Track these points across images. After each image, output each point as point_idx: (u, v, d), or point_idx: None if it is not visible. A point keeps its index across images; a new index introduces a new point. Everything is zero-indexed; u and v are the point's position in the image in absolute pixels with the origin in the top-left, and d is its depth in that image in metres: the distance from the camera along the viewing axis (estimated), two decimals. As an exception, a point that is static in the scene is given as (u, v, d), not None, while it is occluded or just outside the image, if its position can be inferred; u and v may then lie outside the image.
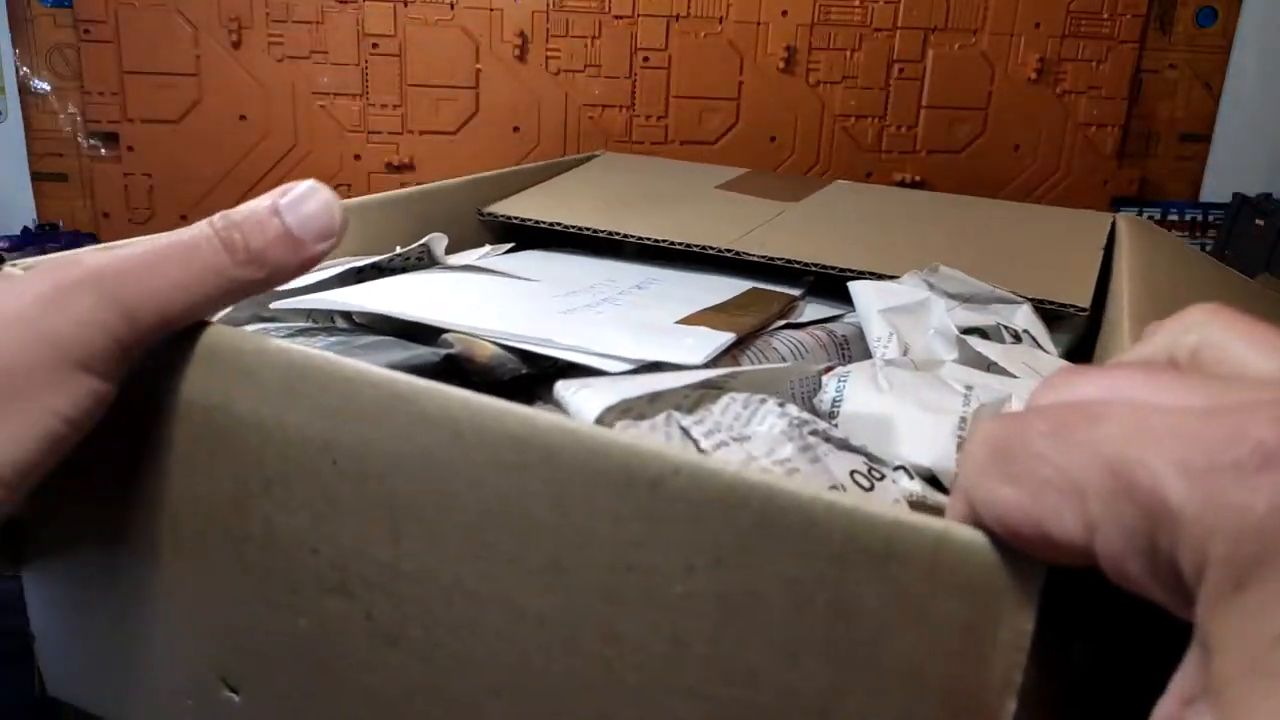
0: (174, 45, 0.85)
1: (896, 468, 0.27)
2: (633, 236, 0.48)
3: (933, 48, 0.92)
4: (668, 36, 0.90)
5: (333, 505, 0.24)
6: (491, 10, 0.88)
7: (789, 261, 0.44)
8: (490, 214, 0.52)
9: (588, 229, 0.49)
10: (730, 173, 0.61)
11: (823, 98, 0.93)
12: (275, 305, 0.34)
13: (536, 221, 0.51)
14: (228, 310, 0.31)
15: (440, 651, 0.24)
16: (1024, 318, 0.38)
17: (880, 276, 0.41)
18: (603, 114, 0.92)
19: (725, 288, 0.44)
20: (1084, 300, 0.39)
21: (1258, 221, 0.90)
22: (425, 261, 0.43)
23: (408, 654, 0.24)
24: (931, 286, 0.39)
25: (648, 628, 0.21)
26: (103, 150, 0.88)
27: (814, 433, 0.26)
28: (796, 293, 0.43)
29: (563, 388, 0.27)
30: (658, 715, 0.21)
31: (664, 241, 0.47)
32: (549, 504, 0.21)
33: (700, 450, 0.25)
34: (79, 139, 0.88)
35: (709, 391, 0.28)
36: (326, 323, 0.34)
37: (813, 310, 0.42)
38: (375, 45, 0.88)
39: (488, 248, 0.46)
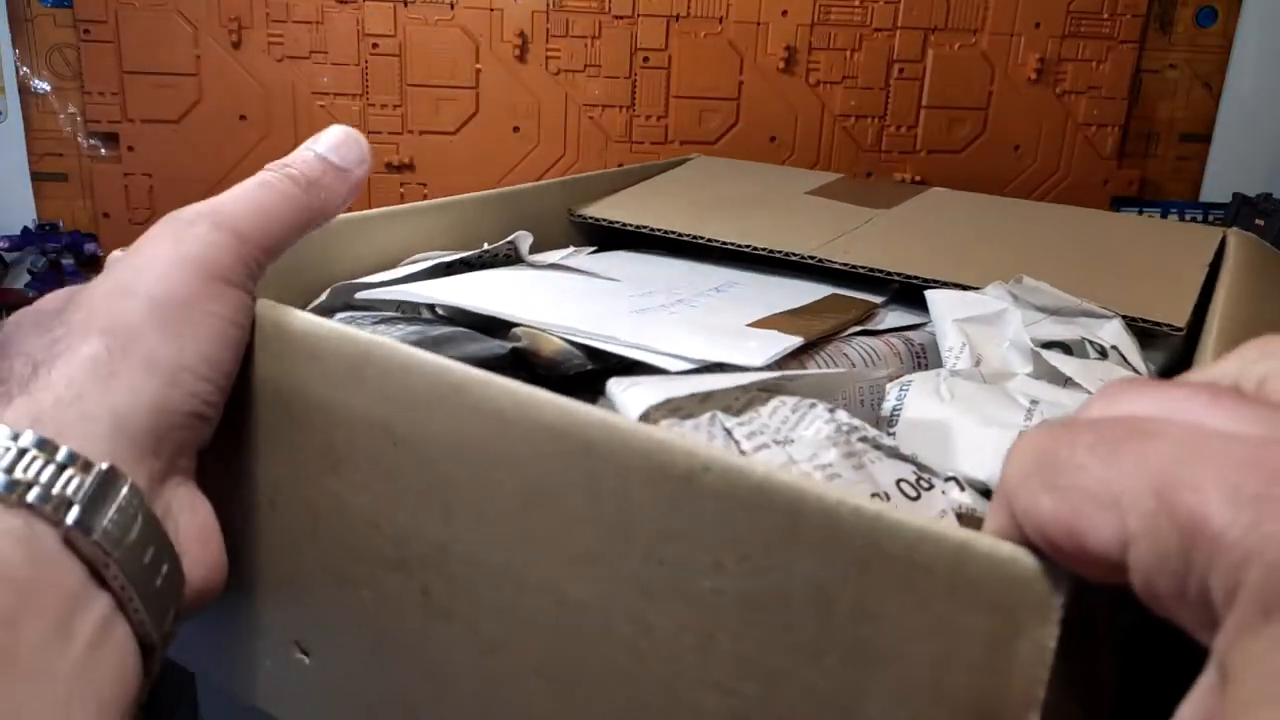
0: (174, 45, 0.85)
1: (948, 479, 0.27)
2: (716, 241, 0.49)
3: (933, 48, 0.92)
4: (668, 36, 0.90)
5: (393, 485, 0.26)
6: (491, 10, 0.88)
7: (871, 270, 0.44)
8: (581, 215, 0.54)
9: (673, 232, 0.50)
10: (823, 178, 0.61)
11: (823, 98, 0.93)
12: (362, 295, 0.36)
13: (624, 224, 0.52)
14: (320, 299, 0.37)
15: (487, 629, 0.24)
16: (1112, 333, 0.37)
17: (964, 286, 0.40)
18: (603, 114, 0.92)
19: (805, 293, 0.44)
20: (1179, 319, 0.37)
21: (1258, 221, 0.90)
22: (511, 258, 0.44)
23: (459, 630, 0.25)
24: (1015, 298, 0.38)
25: (678, 621, 0.21)
26: (103, 150, 0.88)
27: (863, 439, 0.26)
28: (878, 300, 0.43)
29: (614, 384, 0.27)
30: (685, 706, 0.22)
31: (747, 246, 0.48)
32: (585, 495, 0.22)
33: (741, 452, 0.25)
34: (79, 139, 0.88)
35: (759, 394, 0.28)
36: (412, 314, 0.36)
37: (895, 318, 0.42)
38: (375, 45, 0.88)
39: (572, 248, 0.47)
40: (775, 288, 0.45)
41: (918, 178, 0.94)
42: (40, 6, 0.85)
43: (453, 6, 0.88)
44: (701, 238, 0.49)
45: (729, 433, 0.26)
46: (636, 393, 0.26)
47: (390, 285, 0.37)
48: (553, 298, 0.39)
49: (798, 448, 0.26)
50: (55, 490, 0.21)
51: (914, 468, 0.26)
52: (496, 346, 0.33)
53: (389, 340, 0.25)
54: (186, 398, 0.25)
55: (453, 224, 0.46)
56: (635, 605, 0.22)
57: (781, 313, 0.39)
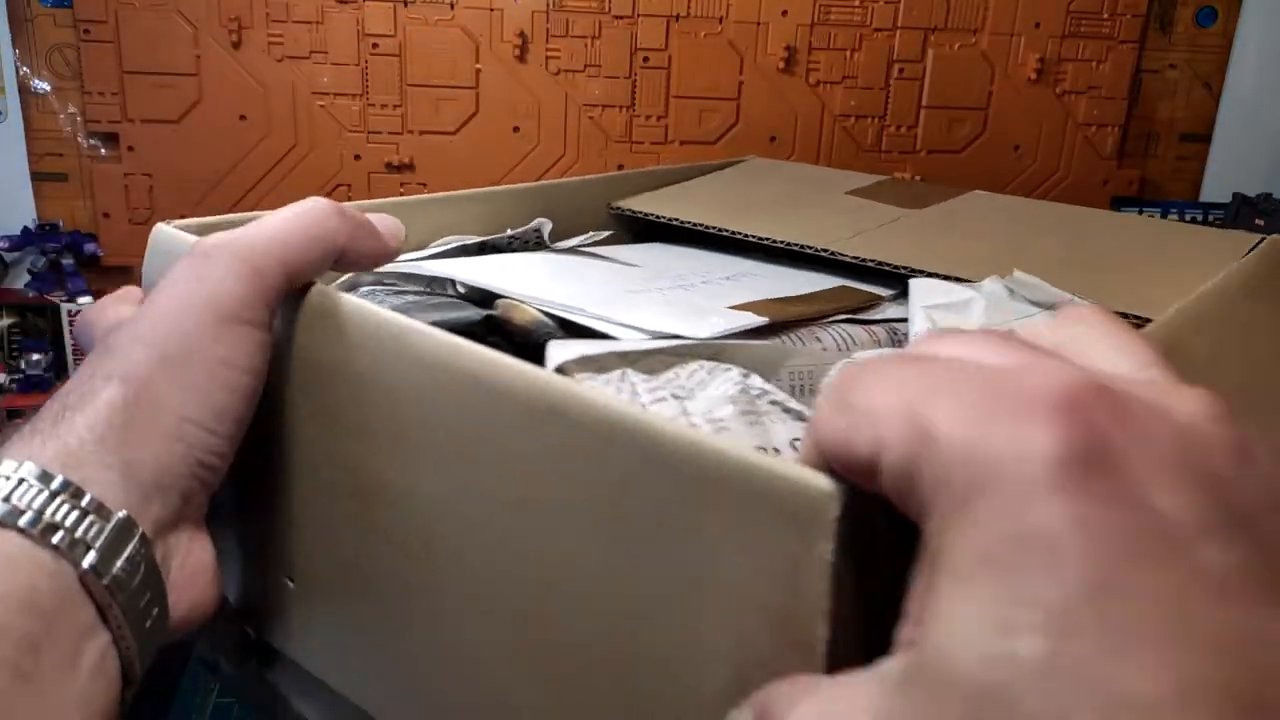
0: (174, 45, 0.85)
1: None
2: (739, 234, 0.50)
3: (933, 48, 0.92)
4: (668, 36, 0.90)
5: (350, 427, 0.28)
6: (491, 10, 0.88)
7: (879, 263, 0.44)
8: (618, 208, 0.55)
9: (700, 225, 0.51)
10: (868, 179, 0.62)
11: (823, 98, 0.93)
12: (381, 270, 0.39)
13: (658, 216, 0.53)
14: (346, 276, 0.39)
15: (439, 562, 0.27)
16: None
17: (960, 280, 0.41)
18: (603, 114, 0.92)
19: (815, 283, 0.45)
20: (1151, 311, 0.38)
21: (1258, 221, 0.90)
22: (538, 244, 0.47)
23: (418, 564, 0.28)
24: (1011, 292, 0.39)
25: (559, 551, 0.24)
26: (103, 150, 0.88)
27: (773, 402, 0.28)
28: (887, 294, 0.44)
29: (553, 345, 0.30)
30: (575, 636, 0.24)
31: (766, 239, 0.49)
32: (493, 434, 0.24)
33: (642, 404, 0.28)
34: (79, 139, 0.88)
35: (681, 358, 0.31)
36: (425, 289, 0.39)
37: (897, 310, 0.43)
38: (375, 45, 0.88)
39: (592, 233, 0.49)
40: (789, 278, 0.46)
41: (918, 178, 0.94)
42: (40, 6, 0.85)
43: (453, 6, 0.88)
44: (726, 231, 0.51)
45: (634, 386, 0.29)
46: (561, 349, 0.30)
47: (406, 262, 0.40)
48: (553, 277, 0.41)
49: (696, 403, 0.28)
50: (78, 534, 0.23)
51: None
52: (474, 314, 0.36)
53: (367, 303, 0.28)
54: (189, 451, 0.26)
55: (485, 213, 0.49)
56: (525, 534, 0.24)
57: (774, 299, 0.40)
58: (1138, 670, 0.13)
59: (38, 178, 0.89)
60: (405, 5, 0.87)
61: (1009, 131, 0.95)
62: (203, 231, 0.35)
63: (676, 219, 0.53)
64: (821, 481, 0.19)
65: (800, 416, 0.28)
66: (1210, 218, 0.98)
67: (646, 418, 0.21)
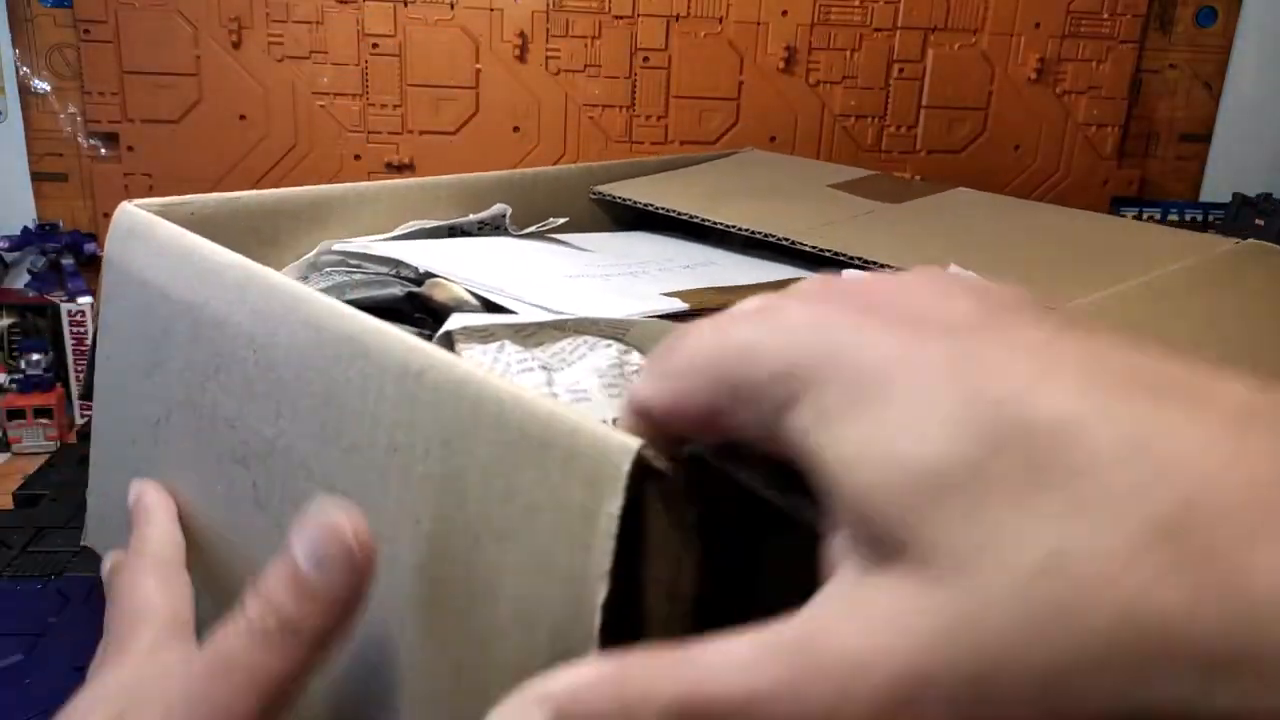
0: (174, 45, 0.85)
1: None
2: (700, 219, 0.51)
3: (933, 48, 0.92)
4: (668, 36, 0.90)
5: (250, 390, 0.30)
6: (491, 10, 0.88)
7: (835, 253, 0.45)
8: (599, 193, 0.56)
9: (668, 210, 0.53)
10: (857, 173, 0.62)
11: (823, 98, 0.93)
12: (338, 248, 0.43)
13: (634, 202, 0.55)
14: (308, 255, 0.42)
15: (287, 522, 0.27)
16: None
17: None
18: (603, 114, 0.92)
19: (774, 274, 0.46)
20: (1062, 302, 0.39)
21: (1258, 221, 0.90)
22: (499, 229, 0.49)
23: (272, 521, 0.29)
24: None
25: (401, 506, 0.25)
26: (103, 150, 0.88)
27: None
28: None
29: (454, 316, 0.32)
30: (398, 589, 0.25)
31: (730, 226, 0.50)
32: (357, 391, 0.26)
33: (513, 374, 0.30)
34: (79, 139, 0.88)
35: (567, 333, 0.33)
36: (391, 270, 0.42)
37: None
38: (375, 45, 0.88)
39: (550, 219, 0.51)
40: (749, 268, 0.47)
41: (918, 178, 0.94)
42: (40, 6, 0.85)
43: (453, 6, 0.88)
44: (689, 215, 0.51)
45: (508, 356, 0.31)
46: (457, 319, 0.32)
47: (357, 242, 0.42)
48: (497, 260, 0.43)
49: (564, 374, 0.30)
50: None
51: None
52: (398, 290, 0.38)
53: (264, 268, 0.30)
54: None
55: (469, 201, 0.50)
56: (376, 492, 0.25)
57: (714, 287, 0.42)
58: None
59: (38, 178, 0.88)
60: (405, 5, 0.87)
61: (1009, 131, 0.95)
62: (165, 211, 0.38)
63: (650, 204, 0.53)
64: (618, 439, 0.19)
65: None
66: (1210, 218, 0.98)
67: (483, 379, 0.23)
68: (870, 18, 0.91)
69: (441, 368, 0.24)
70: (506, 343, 0.31)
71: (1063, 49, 0.93)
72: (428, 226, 0.46)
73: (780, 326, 0.18)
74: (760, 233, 0.48)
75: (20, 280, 0.87)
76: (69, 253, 0.87)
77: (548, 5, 0.88)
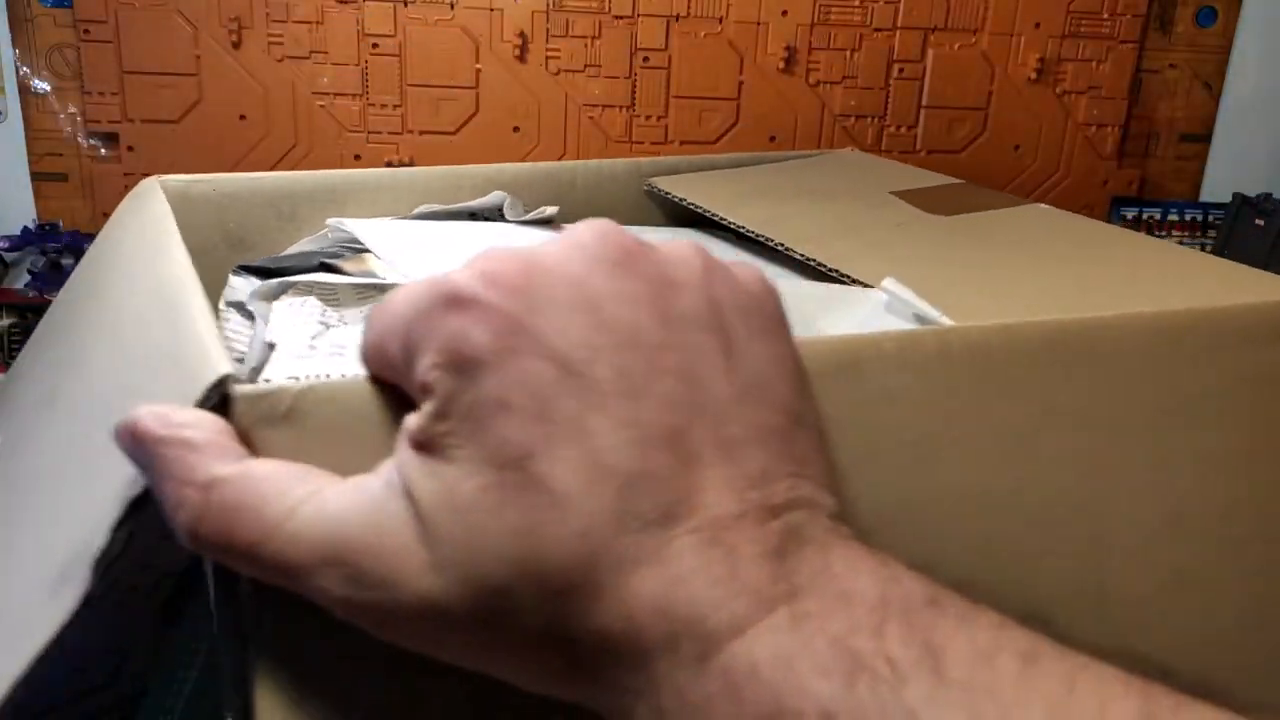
0: (174, 45, 0.85)
1: None
2: (729, 221, 0.51)
3: (933, 48, 0.92)
4: (668, 36, 0.90)
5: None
6: (491, 10, 0.88)
7: (818, 263, 0.44)
8: (651, 186, 0.57)
9: (702, 209, 0.53)
10: (941, 180, 0.60)
11: (823, 98, 0.93)
12: (331, 220, 0.47)
13: (679, 198, 0.55)
14: (320, 233, 0.48)
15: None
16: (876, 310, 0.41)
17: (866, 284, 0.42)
18: (603, 114, 0.92)
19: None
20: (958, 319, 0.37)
21: (1257, 221, 0.90)
22: (497, 215, 0.52)
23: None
24: (888, 304, 0.39)
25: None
26: (103, 150, 0.88)
27: None
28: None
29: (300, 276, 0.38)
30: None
31: (734, 225, 0.50)
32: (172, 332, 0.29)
33: (310, 337, 0.33)
34: (79, 139, 0.88)
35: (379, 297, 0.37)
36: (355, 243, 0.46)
37: None
38: (375, 45, 0.88)
39: (542, 208, 0.53)
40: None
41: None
42: (40, 6, 0.85)
43: (453, 6, 0.88)
44: (707, 212, 0.52)
45: (301, 309, 0.35)
46: (294, 279, 0.37)
47: (350, 222, 0.46)
48: (450, 243, 0.46)
49: (338, 330, 0.34)
50: None
51: None
52: (318, 261, 0.43)
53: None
54: None
55: (487, 190, 0.53)
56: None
57: None
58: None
59: (38, 178, 0.88)
60: (405, 5, 0.87)
61: (1009, 131, 0.95)
62: (189, 187, 0.43)
63: (685, 199, 0.53)
64: (214, 360, 0.23)
65: None
66: (1210, 217, 0.98)
67: (186, 322, 0.26)
68: (870, 18, 0.91)
69: (186, 313, 0.28)
70: (309, 299, 0.36)
71: (1063, 49, 0.93)
72: (445, 209, 0.49)
73: (388, 312, 0.22)
74: (760, 233, 0.48)
75: (20, 280, 0.87)
76: (69, 253, 0.87)
77: (548, 5, 0.88)
